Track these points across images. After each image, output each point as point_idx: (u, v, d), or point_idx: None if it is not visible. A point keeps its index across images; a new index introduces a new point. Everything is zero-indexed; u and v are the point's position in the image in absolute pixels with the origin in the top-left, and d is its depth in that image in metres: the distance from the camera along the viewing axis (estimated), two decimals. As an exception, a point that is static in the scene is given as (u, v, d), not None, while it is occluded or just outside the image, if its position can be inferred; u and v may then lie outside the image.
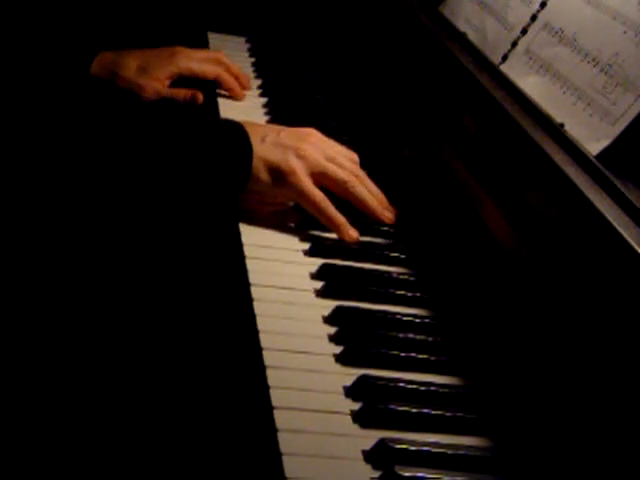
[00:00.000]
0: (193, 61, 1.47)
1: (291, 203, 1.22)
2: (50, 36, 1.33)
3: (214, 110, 1.45)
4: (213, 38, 1.73)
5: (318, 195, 1.16)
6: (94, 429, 1.14)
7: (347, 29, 1.73)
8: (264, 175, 1.16)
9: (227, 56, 1.53)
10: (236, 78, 1.52)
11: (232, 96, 1.50)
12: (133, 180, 1.14)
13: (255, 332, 0.97)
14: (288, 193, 1.18)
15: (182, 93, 1.43)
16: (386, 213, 1.22)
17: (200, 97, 1.44)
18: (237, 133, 1.17)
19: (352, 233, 1.17)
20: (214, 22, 1.78)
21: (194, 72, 1.46)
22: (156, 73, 1.41)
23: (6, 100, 1.13)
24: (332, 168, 1.18)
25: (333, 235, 1.18)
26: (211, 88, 1.49)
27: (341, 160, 1.21)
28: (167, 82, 1.43)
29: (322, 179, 1.18)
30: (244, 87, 1.53)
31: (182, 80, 1.46)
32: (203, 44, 1.70)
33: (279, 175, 1.16)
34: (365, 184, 1.21)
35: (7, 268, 1.23)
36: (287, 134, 1.20)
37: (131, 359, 1.20)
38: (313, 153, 1.18)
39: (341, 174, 1.19)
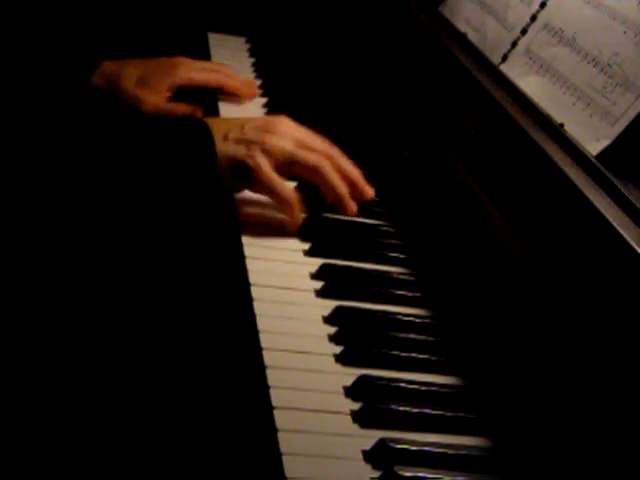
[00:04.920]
0: (193, 71, 1.44)
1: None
2: (52, 45, 1.32)
3: (215, 114, 1.45)
4: (213, 38, 1.73)
5: (287, 192, 1.13)
6: (94, 429, 1.14)
7: (347, 29, 1.73)
8: (229, 173, 1.13)
9: (230, 67, 1.51)
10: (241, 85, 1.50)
11: (238, 97, 1.47)
12: (103, 184, 1.11)
13: (255, 332, 0.97)
14: (258, 190, 1.15)
15: (181, 108, 1.40)
16: (351, 205, 1.17)
17: (199, 112, 1.40)
18: (200, 133, 1.13)
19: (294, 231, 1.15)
20: (214, 22, 1.78)
21: (194, 81, 1.43)
22: (156, 85, 1.39)
23: (4, 106, 1.12)
24: (300, 154, 1.14)
25: (333, 235, 1.18)
26: (211, 95, 1.48)
27: (311, 142, 1.17)
28: (168, 94, 1.41)
29: (292, 168, 1.15)
30: (250, 94, 1.50)
31: (188, 91, 1.44)
32: (203, 44, 1.70)
33: (245, 172, 1.13)
34: (339, 162, 1.17)
35: (6, 268, 1.23)
36: (251, 128, 1.15)
37: (131, 359, 1.20)
38: (279, 143, 1.14)
39: (311, 159, 1.14)
